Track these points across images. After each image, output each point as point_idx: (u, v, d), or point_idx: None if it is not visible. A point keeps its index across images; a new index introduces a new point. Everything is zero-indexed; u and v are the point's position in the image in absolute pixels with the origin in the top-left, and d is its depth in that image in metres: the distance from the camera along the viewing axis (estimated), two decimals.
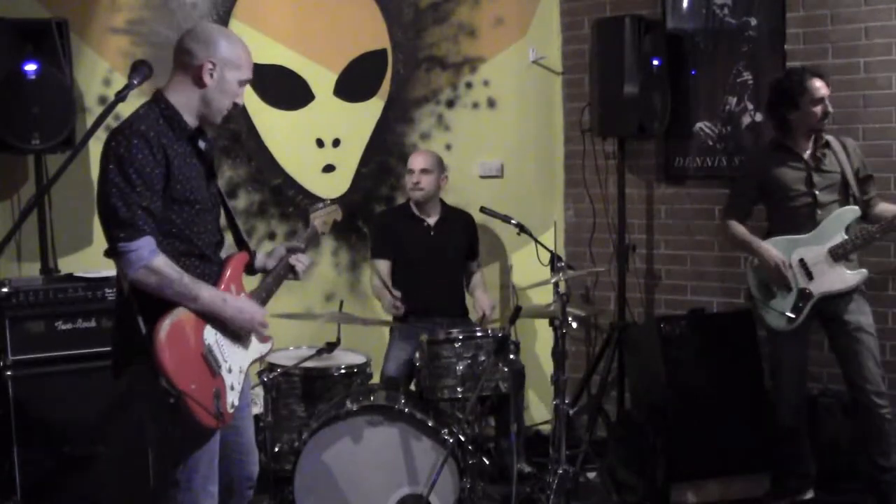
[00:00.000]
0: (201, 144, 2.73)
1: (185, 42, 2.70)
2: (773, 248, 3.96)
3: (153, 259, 2.53)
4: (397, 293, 4.40)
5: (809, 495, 4.10)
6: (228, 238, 2.95)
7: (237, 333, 2.75)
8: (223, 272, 2.77)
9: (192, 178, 2.66)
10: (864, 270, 3.88)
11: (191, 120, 2.71)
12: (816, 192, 3.91)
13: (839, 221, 3.87)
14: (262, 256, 3.07)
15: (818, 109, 3.89)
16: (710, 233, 4.86)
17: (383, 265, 4.63)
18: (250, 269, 3.02)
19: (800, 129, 3.95)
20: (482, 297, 4.67)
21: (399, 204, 4.88)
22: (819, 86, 3.88)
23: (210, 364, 2.64)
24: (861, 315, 3.91)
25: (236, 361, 2.76)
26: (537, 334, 5.17)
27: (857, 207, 3.89)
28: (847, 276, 3.86)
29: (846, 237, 3.85)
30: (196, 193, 2.67)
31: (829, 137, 3.98)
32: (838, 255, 3.85)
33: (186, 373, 2.54)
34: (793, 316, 3.92)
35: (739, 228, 4.09)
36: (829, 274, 3.87)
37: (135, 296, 2.56)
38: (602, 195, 5.08)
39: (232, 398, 2.71)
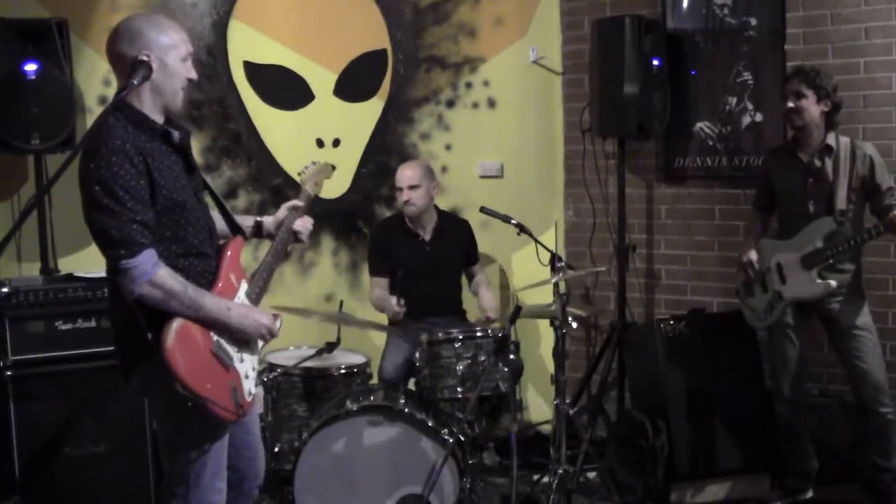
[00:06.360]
0: (175, 137, 2.66)
1: (112, 48, 2.65)
2: (749, 248, 4.03)
3: (156, 272, 2.51)
4: (401, 301, 4.32)
5: (809, 495, 4.10)
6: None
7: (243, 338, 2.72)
8: (220, 265, 2.74)
9: (174, 178, 2.62)
10: (831, 282, 3.78)
11: (157, 117, 2.65)
12: (810, 203, 3.86)
13: (815, 231, 3.81)
14: (272, 220, 3.10)
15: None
16: (710, 233, 4.86)
17: (383, 282, 4.58)
18: (258, 234, 3.08)
19: (797, 133, 3.91)
20: (485, 298, 4.64)
21: (394, 215, 4.81)
22: (787, 83, 3.87)
23: (222, 359, 2.62)
24: (854, 316, 3.87)
25: (247, 347, 2.75)
26: (537, 334, 5.17)
27: (830, 219, 3.77)
28: (814, 286, 3.82)
29: (819, 246, 3.78)
30: (181, 193, 2.63)
31: (843, 141, 3.84)
32: (808, 263, 3.82)
33: (200, 375, 2.53)
34: (765, 316, 3.97)
35: (752, 223, 4.18)
36: (799, 281, 3.86)
37: (138, 307, 2.54)
38: (602, 195, 5.08)
39: (248, 386, 2.71)
